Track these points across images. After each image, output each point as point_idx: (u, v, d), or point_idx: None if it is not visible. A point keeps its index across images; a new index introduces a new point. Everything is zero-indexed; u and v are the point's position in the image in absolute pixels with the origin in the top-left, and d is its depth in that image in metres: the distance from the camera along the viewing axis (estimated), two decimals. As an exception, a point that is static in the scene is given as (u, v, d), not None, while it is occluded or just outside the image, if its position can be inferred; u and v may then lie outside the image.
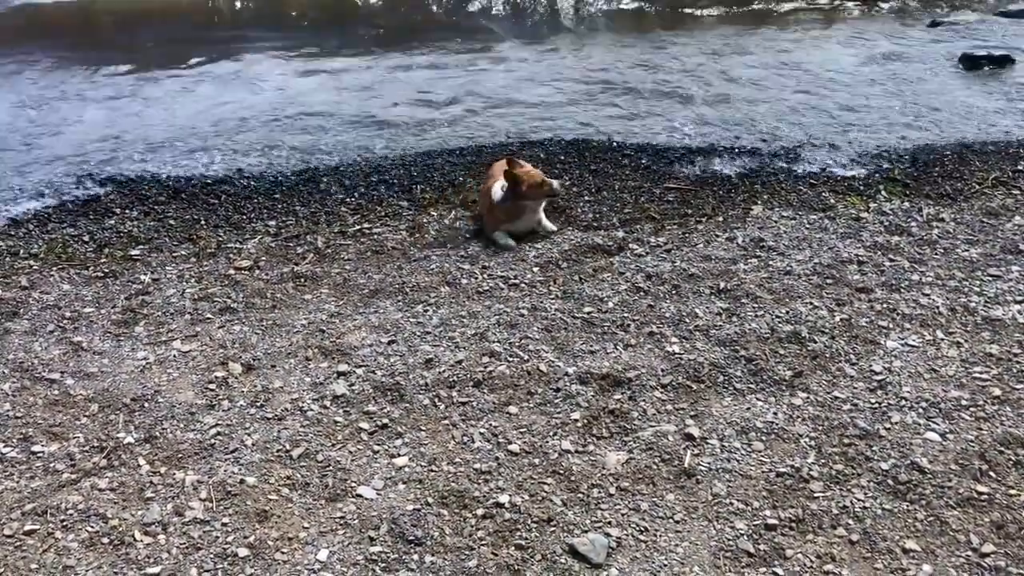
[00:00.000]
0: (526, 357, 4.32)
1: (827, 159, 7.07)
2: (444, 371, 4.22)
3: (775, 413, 3.89)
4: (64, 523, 3.33)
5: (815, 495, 3.42)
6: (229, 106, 8.62)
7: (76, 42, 10.75)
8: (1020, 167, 6.77)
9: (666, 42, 10.92)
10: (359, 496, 3.45)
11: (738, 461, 3.61)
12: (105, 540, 3.25)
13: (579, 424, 3.85)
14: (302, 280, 5.19)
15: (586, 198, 6.35)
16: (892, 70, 9.65)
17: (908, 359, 4.26)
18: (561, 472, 3.57)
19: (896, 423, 3.81)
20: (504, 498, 3.42)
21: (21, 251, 5.65)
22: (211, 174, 6.97)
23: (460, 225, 5.93)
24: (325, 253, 5.55)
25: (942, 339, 4.42)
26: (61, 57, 10.14)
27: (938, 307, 4.69)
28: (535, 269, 5.23)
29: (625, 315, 4.69)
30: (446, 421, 3.88)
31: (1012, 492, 3.41)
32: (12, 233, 5.94)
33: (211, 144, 7.62)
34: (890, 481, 3.48)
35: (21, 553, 3.19)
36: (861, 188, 6.44)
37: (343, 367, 4.27)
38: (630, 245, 5.53)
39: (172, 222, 6.08)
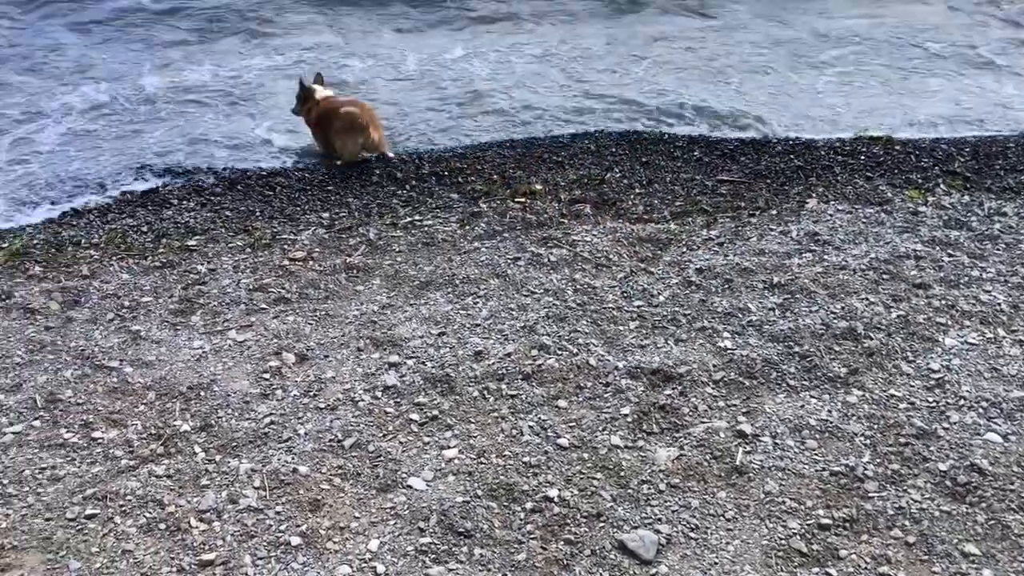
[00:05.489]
0: (575, 351, 4.31)
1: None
2: (493, 363, 4.23)
3: (829, 411, 3.83)
4: (123, 508, 3.41)
5: (870, 495, 3.36)
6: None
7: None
8: (1088, 160, 6.57)
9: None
10: (409, 487, 3.48)
11: (791, 459, 3.57)
12: (162, 526, 3.32)
13: (629, 419, 3.83)
14: (354, 271, 5.23)
15: (637, 190, 6.30)
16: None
17: (967, 357, 4.16)
18: (610, 467, 3.56)
19: (955, 423, 3.73)
20: (553, 492, 3.42)
21: (83, 241, 5.78)
22: (266, 166, 7.07)
23: (510, 217, 5.93)
24: (377, 245, 5.59)
25: (1004, 337, 4.30)
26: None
27: (1000, 304, 4.57)
28: (586, 264, 5.21)
29: (676, 309, 4.65)
30: (495, 414, 3.90)
31: (1076, 496, 3.32)
32: (74, 223, 6.08)
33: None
34: (948, 482, 3.41)
35: (83, 537, 3.28)
36: (920, 181, 6.30)
37: (394, 358, 4.31)
38: (681, 238, 5.48)
39: (228, 213, 6.17)
